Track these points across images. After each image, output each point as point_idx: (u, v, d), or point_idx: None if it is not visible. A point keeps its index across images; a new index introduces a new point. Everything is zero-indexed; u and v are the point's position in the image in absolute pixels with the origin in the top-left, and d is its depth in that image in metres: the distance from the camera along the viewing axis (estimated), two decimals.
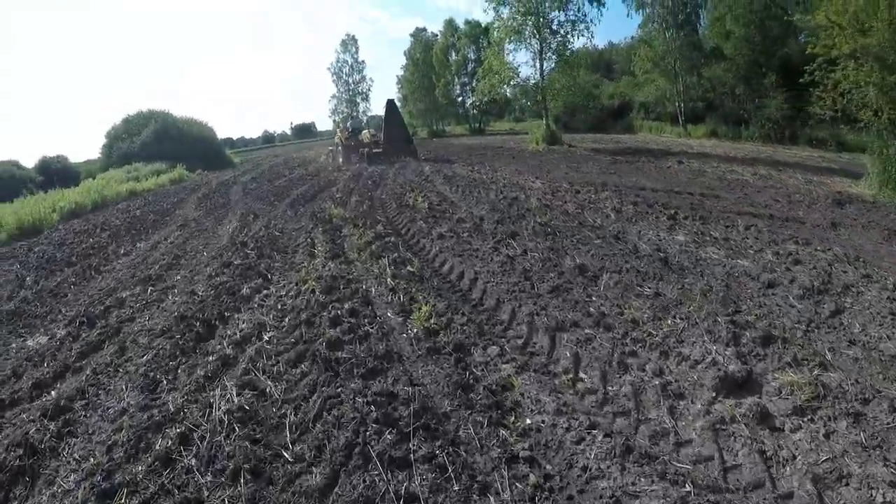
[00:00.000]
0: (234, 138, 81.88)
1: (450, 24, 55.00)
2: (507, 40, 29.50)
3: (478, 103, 43.82)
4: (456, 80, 54.97)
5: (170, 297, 7.18)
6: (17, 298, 8.08)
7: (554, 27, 29.20)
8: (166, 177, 27.47)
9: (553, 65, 29.80)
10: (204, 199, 17.53)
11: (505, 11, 29.63)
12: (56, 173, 42.27)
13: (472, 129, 53.96)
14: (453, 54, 54.75)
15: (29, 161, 48.13)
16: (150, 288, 7.72)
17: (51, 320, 7.09)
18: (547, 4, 28.95)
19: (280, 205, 14.13)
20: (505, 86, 30.65)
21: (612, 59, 53.57)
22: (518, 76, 30.20)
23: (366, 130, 25.92)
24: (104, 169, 33.37)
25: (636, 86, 38.54)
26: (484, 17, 55.38)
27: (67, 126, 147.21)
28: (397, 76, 62.88)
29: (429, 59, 55.79)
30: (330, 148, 27.87)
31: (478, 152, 27.32)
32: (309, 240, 9.13)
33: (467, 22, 54.23)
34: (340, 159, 24.18)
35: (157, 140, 34.81)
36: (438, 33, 56.67)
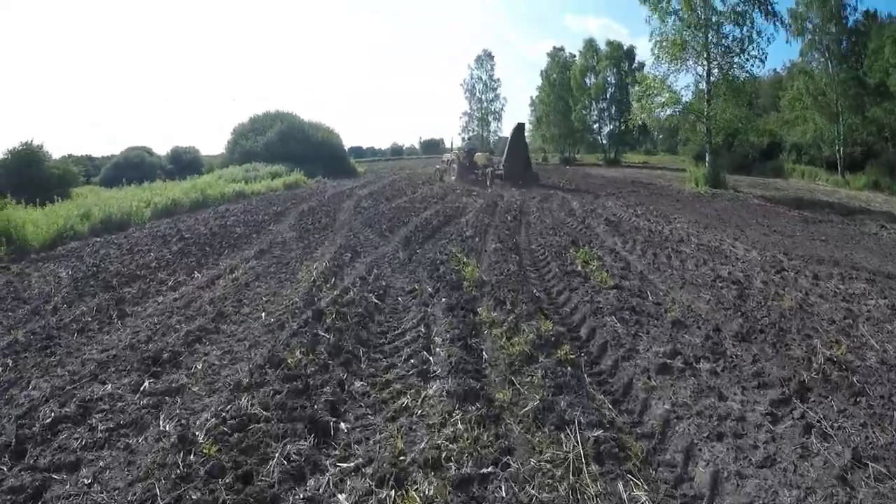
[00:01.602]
0: (364, 147, 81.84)
1: (590, 45, 50.41)
2: (670, 57, 24.56)
3: (630, 127, 39.21)
4: (594, 105, 50.27)
5: (142, 440, 3.61)
6: (22, 330, 5.71)
7: (725, 45, 24.04)
8: (281, 180, 25.31)
9: (715, 90, 24.58)
10: (307, 215, 14.55)
11: (669, 22, 24.80)
12: (186, 163, 42.88)
13: (606, 159, 49.02)
14: (592, 77, 50.11)
15: (162, 149, 49.82)
16: (139, 393, 4.20)
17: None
18: (718, 17, 23.93)
19: (392, 238, 10.68)
20: (665, 109, 25.52)
21: (754, 90, 46.66)
22: (681, 100, 25.07)
23: (479, 153, 25.24)
24: (225, 165, 32.44)
25: (786, 123, 32.77)
26: (626, 37, 49.98)
27: (202, 119, 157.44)
28: (531, 97, 58.93)
29: (566, 80, 51.56)
30: (437, 166, 27.32)
31: (626, 188, 22.88)
32: (422, 326, 5.34)
33: (609, 43, 49.59)
34: (454, 177, 23.76)
35: (281, 141, 33.32)
36: (577, 54, 52.32)
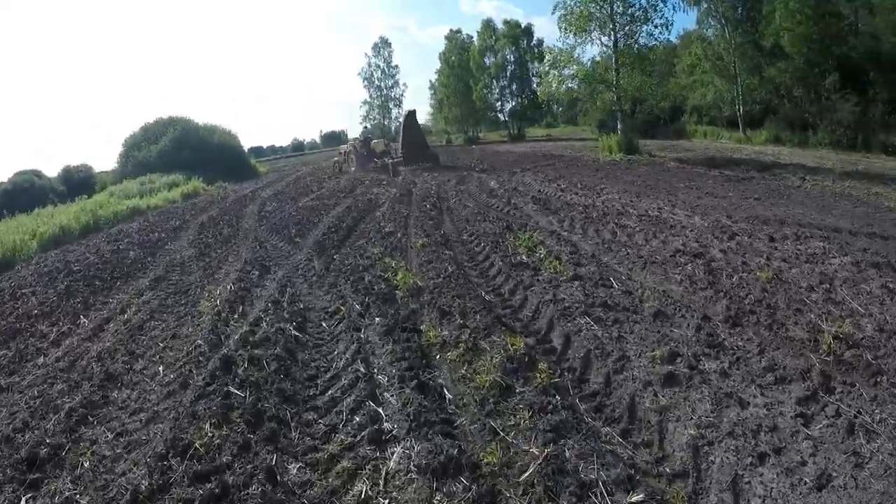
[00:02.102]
0: (264, 146, 78.22)
1: (487, 26, 49.67)
2: (575, 30, 24.14)
3: (539, 101, 38.95)
4: (494, 83, 49.68)
5: None
6: None
7: (631, 13, 23.82)
8: (179, 191, 23.03)
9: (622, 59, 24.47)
10: (208, 226, 12.91)
11: None
12: (79, 183, 38.98)
13: (511, 136, 48.61)
14: (491, 57, 49.45)
15: (52, 171, 45.12)
16: None
17: None
18: None
19: (304, 244, 9.36)
20: (574, 80, 25.04)
21: (658, 57, 48.35)
22: (590, 71, 24.55)
23: (376, 140, 25.21)
24: (119, 180, 29.34)
25: (685, 87, 33.50)
26: (522, 17, 49.48)
27: (92, 134, 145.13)
28: (430, 80, 58.04)
29: (465, 62, 50.52)
30: (335, 158, 26.58)
31: (540, 162, 22.16)
32: (359, 362, 4.20)
33: (506, 22, 48.97)
34: (353, 167, 23.40)
35: (176, 148, 30.48)
36: (475, 35, 51.47)
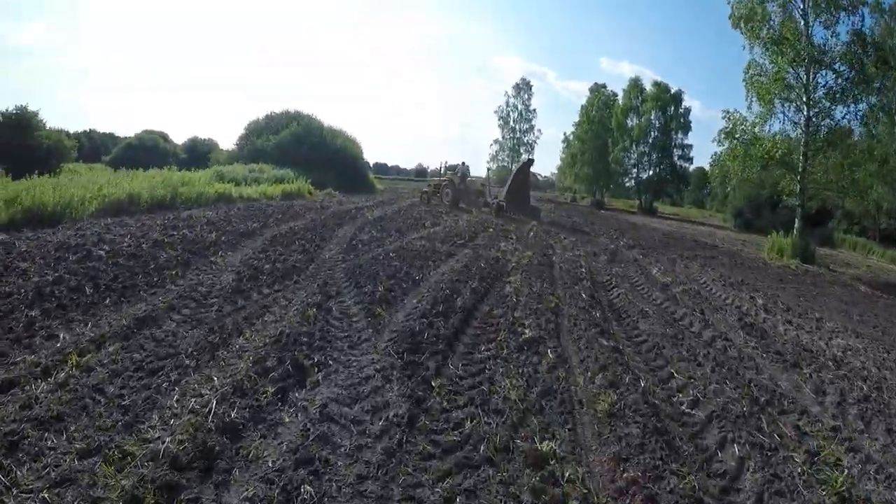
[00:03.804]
0: (389, 165, 78.19)
1: (635, 85, 45.46)
2: (767, 95, 19.15)
3: (711, 181, 34.83)
4: (634, 147, 45.04)
5: None
6: None
7: (830, 86, 18.51)
8: (281, 188, 20.52)
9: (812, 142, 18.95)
10: (280, 242, 9.64)
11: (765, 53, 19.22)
12: (201, 155, 38.82)
13: (641, 207, 43.70)
14: (634, 118, 45.08)
15: (180, 138, 45.97)
16: None
17: None
18: (825, 55, 18.37)
19: (387, 323, 5.57)
20: (757, 164, 19.75)
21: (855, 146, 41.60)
22: (778, 153, 18.69)
23: (471, 179, 24.64)
24: (232, 161, 27.91)
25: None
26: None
27: (222, 114, 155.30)
28: (564, 133, 55.46)
29: (605, 119, 46.86)
30: (424, 189, 24.94)
31: (697, 250, 17.52)
32: None
33: (656, 84, 44.46)
34: (447, 201, 22.26)
35: (295, 143, 28.72)
36: (620, 92, 47.44)
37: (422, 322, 5.51)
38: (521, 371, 4.59)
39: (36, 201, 10.35)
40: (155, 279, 6.59)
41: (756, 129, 19.44)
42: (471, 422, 3.57)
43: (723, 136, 19.98)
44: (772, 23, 18.99)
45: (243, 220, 12.25)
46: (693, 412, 4.23)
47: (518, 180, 22.69)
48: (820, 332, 7.82)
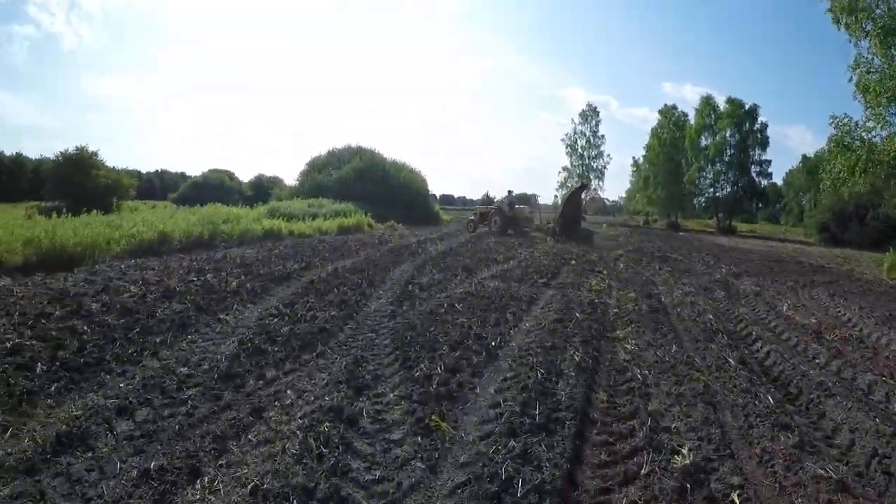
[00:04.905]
0: (455, 196, 77.10)
1: (707, 103, 42.29)
2: (880, 100, 15.65)
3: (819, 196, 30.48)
4: (709, 167, 41.89)
5: None
6: None
7: None
8: (337, 222, 18.81)
9: None
10: (317, 290, 7.58)
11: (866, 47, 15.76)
12: (266, 192, 38.58)
13: (720, 227, 40.12)
14: (708, 137, 41.98)
15: (245, 176, 46.36)
16: None
17: None
18: None
19: (468, 410, 3.43)
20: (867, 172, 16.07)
21: None
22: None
23: (519, 206, 24.09)
24: (292, 196, 26.88)
25: None
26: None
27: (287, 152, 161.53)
28: (633, 158, 52.20)
29: (677, 140, 43.94)
30: (471, 217, 24.55)
31: (807, 273, 13.43)
32: None
33: (730, 101, 40.90)
34: (495, 229, 22.10)
35: (357, 178, 27.42)
36: (690, 113, 44.46)
37: (508, 447, 3.16)
38: None
39: (55, 242, 9.52)
40: (131, 351, 4.71)
41: (873, 134, 16.08)
42: None
43: (832, 144, 16.71)
44: (879, 11, 15.79)
45: (283, 260, 10.40)
46: None
47: (573, 204, 22.53)
48: None
